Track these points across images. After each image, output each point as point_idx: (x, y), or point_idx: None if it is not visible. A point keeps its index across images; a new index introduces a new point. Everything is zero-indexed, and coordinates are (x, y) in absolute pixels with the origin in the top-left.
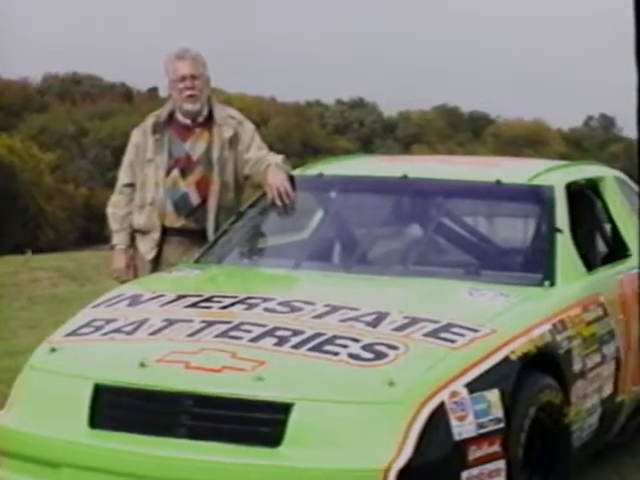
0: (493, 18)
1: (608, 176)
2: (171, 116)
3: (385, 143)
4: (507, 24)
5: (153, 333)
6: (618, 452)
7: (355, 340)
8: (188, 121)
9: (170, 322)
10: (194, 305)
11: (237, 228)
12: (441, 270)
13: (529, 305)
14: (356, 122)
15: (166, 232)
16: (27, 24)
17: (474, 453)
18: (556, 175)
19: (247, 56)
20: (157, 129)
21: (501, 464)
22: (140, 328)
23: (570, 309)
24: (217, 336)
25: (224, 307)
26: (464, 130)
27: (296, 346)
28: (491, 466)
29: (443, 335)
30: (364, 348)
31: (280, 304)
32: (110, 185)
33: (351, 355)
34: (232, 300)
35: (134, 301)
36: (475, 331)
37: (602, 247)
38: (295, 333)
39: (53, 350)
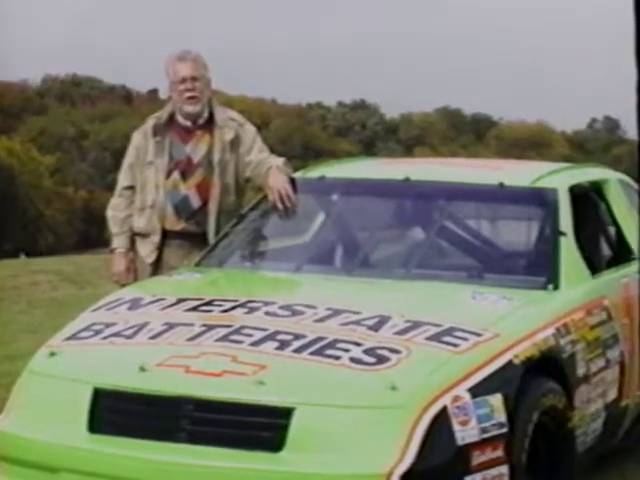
0: (495, 18)
1: (612, 179)
2: (171, 118)
3: (387, 145)
4: (510, 27)
5: (153, 337)
6: (622, 457)
7: (357, 344)
8: (188, 123)
9: (170, 326)
10: (195, 309)
11: (238, 231)
12: (444, 273)
13: (532, 309)
14: (358, 124)
15: (166, 235)
16: (27, 26)
17: (477, 458)
18: (559, 178)
19: (248, 58)
20: (158, 131)
21: (504, 469)
22: (140, 332)
23: (574, 313)
24: (218, 340)
25: (225, 311)
26: (467, 132)
27: (297, 350)
28: (494, 471)
29: (446, 339)
30: (366, 352)
31: (281, 308)
32: (110, 188)
33: (353, 359)
34: (233, 304)
35: (134, 305)
36: (478, 335)
37: (606, 250)
38: (296, 337)
39: (52, 354)
